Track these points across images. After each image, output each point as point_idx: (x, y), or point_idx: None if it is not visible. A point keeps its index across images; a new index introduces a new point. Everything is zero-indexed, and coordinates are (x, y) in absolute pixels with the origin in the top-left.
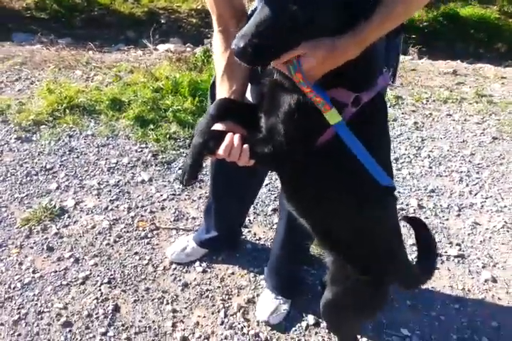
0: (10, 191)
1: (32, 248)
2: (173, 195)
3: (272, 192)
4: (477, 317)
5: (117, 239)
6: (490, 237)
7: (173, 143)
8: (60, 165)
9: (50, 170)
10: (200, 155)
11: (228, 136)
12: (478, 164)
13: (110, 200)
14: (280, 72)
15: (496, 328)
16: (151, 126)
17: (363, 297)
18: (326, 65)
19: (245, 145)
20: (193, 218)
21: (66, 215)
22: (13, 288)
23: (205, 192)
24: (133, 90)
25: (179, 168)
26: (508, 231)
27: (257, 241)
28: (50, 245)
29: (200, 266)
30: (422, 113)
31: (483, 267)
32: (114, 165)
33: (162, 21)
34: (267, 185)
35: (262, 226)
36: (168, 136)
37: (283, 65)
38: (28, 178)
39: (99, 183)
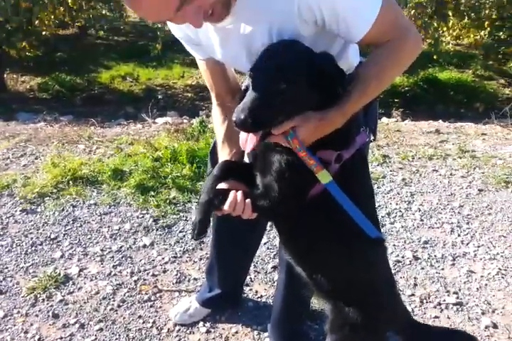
0: (15, 261)
1: (37, 316)
2: (175, 257)
3: (271, 250)
4: None
5: (121, 304)
6: (486, 284)
7: (173, 207)
8: (64, 235)
9: (55, 240)
10: (208, 211)
11: (232, 193)
12: (468, 215)
13: (113, 266)
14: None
15: None
16: (152, 193)
17: None
18: (317, 133)
19: (247, 200)
20: (195, 279)
21: (70, 282)
22: None
23: (206, 253)
24: (133, 160)
25: (180, 231)
26: (503, 277)
27: (259, 299)
28: (56, 312)
29: (204, 326)
30: (409, 169)
31: (483, 313)
32: (116, 231)
33: (159, 97)
34: (265, 243)
35: (262, 283)
36: (168, 201)
37: (281, 135)
38: (33, 248)
39: (102, 250)
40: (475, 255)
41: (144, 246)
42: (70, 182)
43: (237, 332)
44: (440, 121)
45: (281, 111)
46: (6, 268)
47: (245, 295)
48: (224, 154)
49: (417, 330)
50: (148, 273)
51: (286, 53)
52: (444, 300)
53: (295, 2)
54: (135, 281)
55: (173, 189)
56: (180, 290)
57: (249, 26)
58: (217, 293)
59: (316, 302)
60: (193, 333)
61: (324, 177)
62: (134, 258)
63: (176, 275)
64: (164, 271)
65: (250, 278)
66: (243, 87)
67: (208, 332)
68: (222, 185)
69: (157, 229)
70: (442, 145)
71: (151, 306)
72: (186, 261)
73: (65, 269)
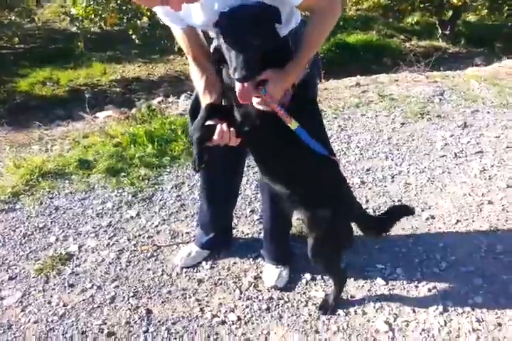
0: (13, 252)
1: (54, 289)
2: (163, 220)
3: (245, 199)
4: (428, 243)
5: (128, 264)
6: (421, 190)
7: (147, 182)
8: (52, 222)
9: (44, 228)
10: (202, 144)
11: (218, 126)
12: (396, 143)
13: (109, 237)
14: None
15: (443, 247)
16: (123, 174)
17: (335, 231)
18: (284, 86)
19: (231, 129)
20: (187, 233)
21: (74, 257)
22: (52, 321)
23: (190, 212)
24: (94, 150)
25: (160, 200)
26: (432, 183)
27: (247, 236)
28: (70, 282)
29: (207, 264)
30: (342, 117)
31: (422, 210)
32: (100, 211)
33: (87, 95)
34: (240, 193)
35: (246, 225)
36: (140, 178)
37: (256, 89)
38: (26, 238)
39: (93, 227)
40: (408, 171)
41: (132, 217)
42: (39, 178)
43: (235, 263)
44: (358, 76)
45: (258, 61)
46: (6, 259)
47: (235, 235)
48: (206, 100)
49: (368, 220)
50: (144, 237)
51: (251, 13)
52: None
53: None
54: (134, 245)
55: (141, 167)
56: (177, 243)
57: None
58: (212, 235)
59: (296, 227)
60: (199, 271)
61: (293, 124)
62: (125, 228)
63: (169, 233)
64: (158, 232)
65: (234, 222)
66: (212, 48)
67: (211, 268)
68: (209, 122)
69: (138, 202)
70: (365, 95)
71: (155, 260)
72: (174, 221)
73: (65, 249)
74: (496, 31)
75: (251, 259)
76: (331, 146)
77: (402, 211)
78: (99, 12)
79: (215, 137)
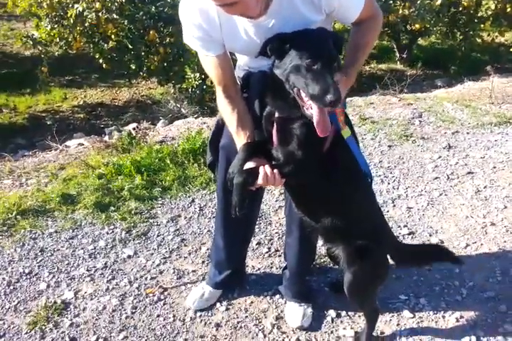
0: None
1: None
2: (164, 258)
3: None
4: (443, 270)
5: (134, 310)
6: (423, 214)
7: (140, 217)
8: (39, 266)
9: (31, 274)
10: (244, 190)
11: (261, 168)
12: (388, 167)
13: (107, 281)
14: (283, 112)
15: (459, 273)
16: (112, 208)
17: (374, 266)
18: (344, 90)
19: (275, 170)
20: (193, 271)
21: (71, 306)
22: None
23: (192, 248)
24: (76, 183)
25: (157, 236)
26: (432, 206)
27: (258, 271)
28: (72, 335)
29: (222, 305)
30: None
31: (430, 235)
32: (93, 250)
33: (48, 123)
34: None
35: (255, 258)
36: (132, 212)
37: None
38: (11, 287)
39: (88, 270)
40: (406, 195)
41: (129, 256)
42: (18, 216)
43: (252, 302)
44: None
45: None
46: None
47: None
48: (241, 138)
49: (403, 251)
50: (146, 278)
51: (326, 38)
52: (400, 233)
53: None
54: (137, 288)
55: (131, 200)
56: (185, 283)
57: (280, 22)
58: (227, 273)
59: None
60: (215, 314)
61: (346, 133)
62: (124, 269)
63: (174, 272)
64: (161, 272)
65: None
66: (241, 76)
67: (227, 309)
68: (249, 164)
69: (134, 239)
70: None
71: (164, 304)
72: (177, 259)
73: (59, 296)
74: (447, 54)
75: (268, 297)
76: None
77: (443, 255)
78: (65, 36)
79: (260, 181)
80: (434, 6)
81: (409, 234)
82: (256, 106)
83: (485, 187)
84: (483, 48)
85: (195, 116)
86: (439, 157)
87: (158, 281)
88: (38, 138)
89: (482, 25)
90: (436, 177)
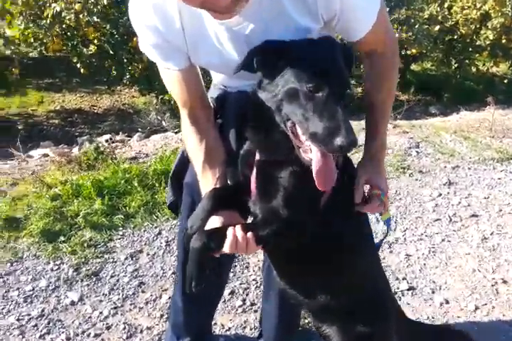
0: None
1: None
2: (115, 308)
3: None
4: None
5: None
6: (424, 264)
7: (94, 250)
8: None
9: None
10: (203, 258)
11: (230, 231)
12: None
13: (40, 336)
14: (267, 153)
15: None
16: (62, 238)
17: None
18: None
19: (249, 234)
20: (148, 328)
21: None
22: None
23: (151, 295)
24: (25, 203)
25: (111, 276)
26: (434, 255)
27: (228, 332)
28: None
29: None
30: None
31: (433, 292)
32: (30, 292)
33: (20, 127)
34: None
35: (226, 313)
36: (84, 244)
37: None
38: None
39: (18, 319)
40: (405, 239)
41: (72, 303)
42: None
43: None
44: None
45: None
46: None
47: (213, 332)
48: (207, 180)
49: (409, 329)
50: (89, 335)
51: (335, 51)
52: (398, 288)
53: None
54: None
55: (86, 229)
56: None
57: (260, 27)
58: (187, 340)
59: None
60: None
61: (386, 215)
62: (64, 320)
63: (124, 328)
64: (108, 328)
65: None
66: (214, 96)
67: None
68: (214, 220)
69: (82, 280)
70: None
71: None
72: (130, 310)
73: None
74: (440, 81)
75: None
76: None
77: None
78: (40, 36)
79: (226, 248)
80: (432, 32)
81: (408, 289)
82: (232, 136)
83: (491, 233)
84: (477, 78)
85: (176, 130)
86: (439, 194)
87: (102, 339)
88: (4, 144)
89: (478, 55)
90: (437, 219)
